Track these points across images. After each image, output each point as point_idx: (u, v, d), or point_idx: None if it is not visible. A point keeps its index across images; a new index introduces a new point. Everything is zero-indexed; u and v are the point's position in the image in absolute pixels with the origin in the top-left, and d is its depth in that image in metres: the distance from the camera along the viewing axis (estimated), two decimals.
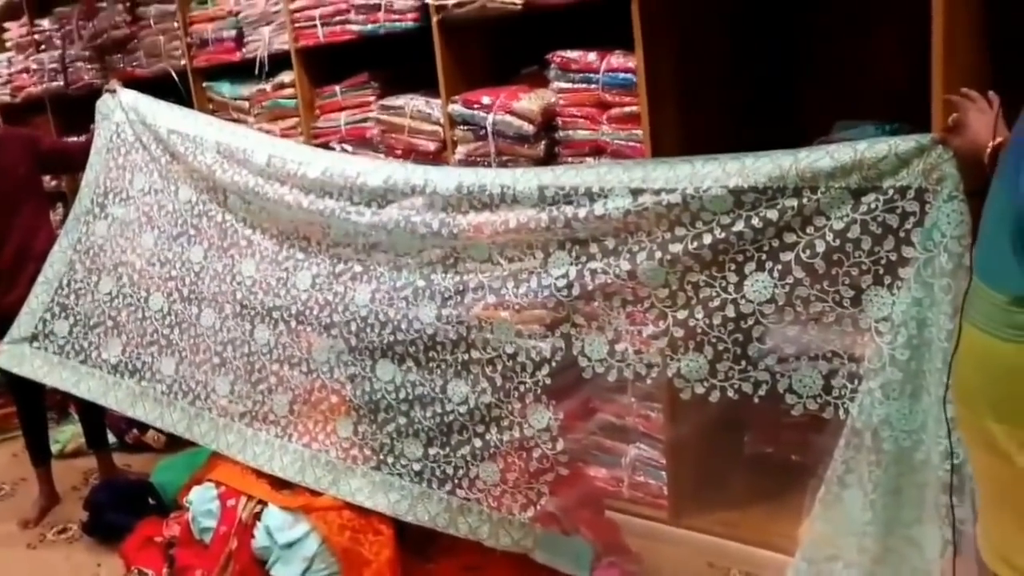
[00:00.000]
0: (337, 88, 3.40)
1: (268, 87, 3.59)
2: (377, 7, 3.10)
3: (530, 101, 2.80)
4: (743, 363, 1.87)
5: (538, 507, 2.27)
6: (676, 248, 1.89)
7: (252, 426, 2.68)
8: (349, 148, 3.38)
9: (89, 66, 4.33)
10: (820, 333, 1.80)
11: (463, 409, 2.27)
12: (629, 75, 2.61)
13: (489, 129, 2.85)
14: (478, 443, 2.28)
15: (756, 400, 1.87)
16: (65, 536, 3.38)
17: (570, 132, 2.78)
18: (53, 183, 4.56)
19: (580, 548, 2.42)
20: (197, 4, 3.79)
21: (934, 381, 1.67)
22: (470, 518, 2.33)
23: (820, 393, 1.82)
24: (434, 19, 2.93)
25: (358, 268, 2.44)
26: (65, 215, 3.22)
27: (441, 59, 2.97)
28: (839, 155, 1.71)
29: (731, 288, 1.85)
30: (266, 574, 2.46)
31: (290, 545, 2.42)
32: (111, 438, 3.88)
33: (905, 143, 1.67)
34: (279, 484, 2.59)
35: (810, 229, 1.76)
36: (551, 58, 2.78)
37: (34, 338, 3.08)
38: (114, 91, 3.03)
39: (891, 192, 1.68)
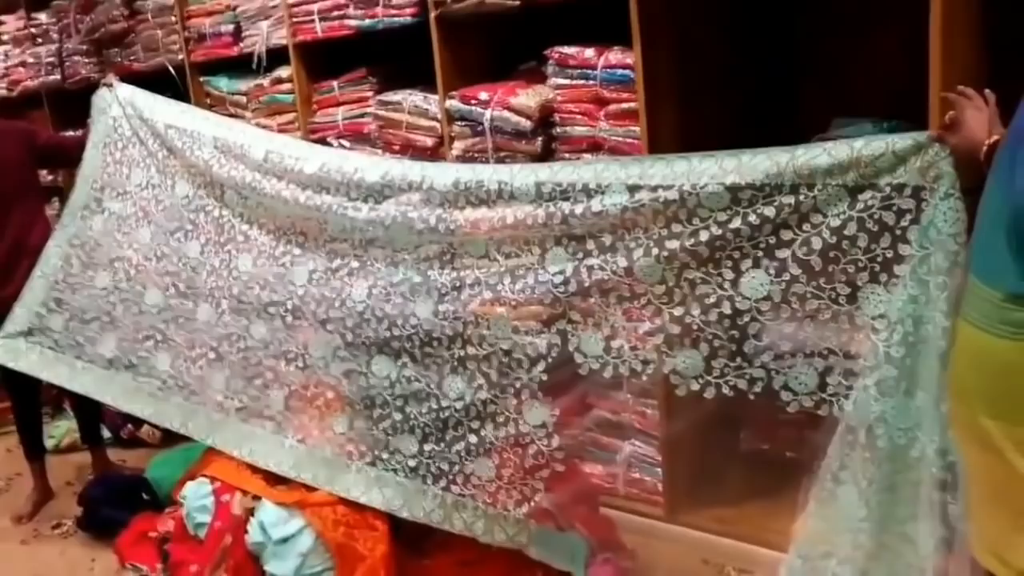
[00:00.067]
0: (335, 83, 3.40)
1: (266, 82, 3.58)
2: (375, 2, 3.09)
3: (528, 97, 2.79)
4: (739, 360, 1.87)
5: (533, 503, 2.27)
6: (673, 245, 1.89)
7: (248, 422, 2.68)
8: (347, 143, 3.38)
9: (86, 60, 4.32)
10: (816, 330, 1.80)
11: (459, 405, 2.27)
12: (627, 71, 2.61)
13: (487, 125, 2.85)
14: (473, 439, 2.28)
15: (752, 397, 1.87)
16: (59, 531, 3.37)
17: (568, 128, 2.78)
18: (49, 178, 4.54)
19: (575, 544, 2.42)
20: None
21: (929, 378, 1.67)
22: (465, 514, 2.33)
23: (815, 390, 1.82)
24: (432, 14, 2.93)
25: (355, 264, 2.44)
26: (61, 209, 3.21)
27: (439, 55, 2.97)
28: (836, 152, 1.71)
29: (727, 285, 1.85)
30: (260, 569, 2.46)
31: (284, 541, 2.42)
32: (106, 433, 3.88)
33: (902, 141, 1.67)
34: (274, 479, 2.59)
35: (807, 226, 1.76)
36: (549, 54, 2.78)
37: (29, 332, 3.08)
38: (111, 85, 3.03)
39: (888, 190, 1.68)
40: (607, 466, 2.94)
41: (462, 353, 2.24)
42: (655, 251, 1.91)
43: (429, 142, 3.11)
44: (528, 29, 2.93)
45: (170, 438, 3.38)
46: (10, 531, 3.42)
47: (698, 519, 2.79)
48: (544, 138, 2.82)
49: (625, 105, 2.64)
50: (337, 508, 2.46)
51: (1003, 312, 1.35)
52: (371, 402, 2.42)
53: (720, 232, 1.82)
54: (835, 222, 1.73)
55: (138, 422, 3.80)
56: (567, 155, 2.79)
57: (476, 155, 2.93)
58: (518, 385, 2.18)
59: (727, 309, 1.85)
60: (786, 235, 1.78)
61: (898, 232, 1.68)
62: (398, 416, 2.37)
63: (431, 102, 3.08)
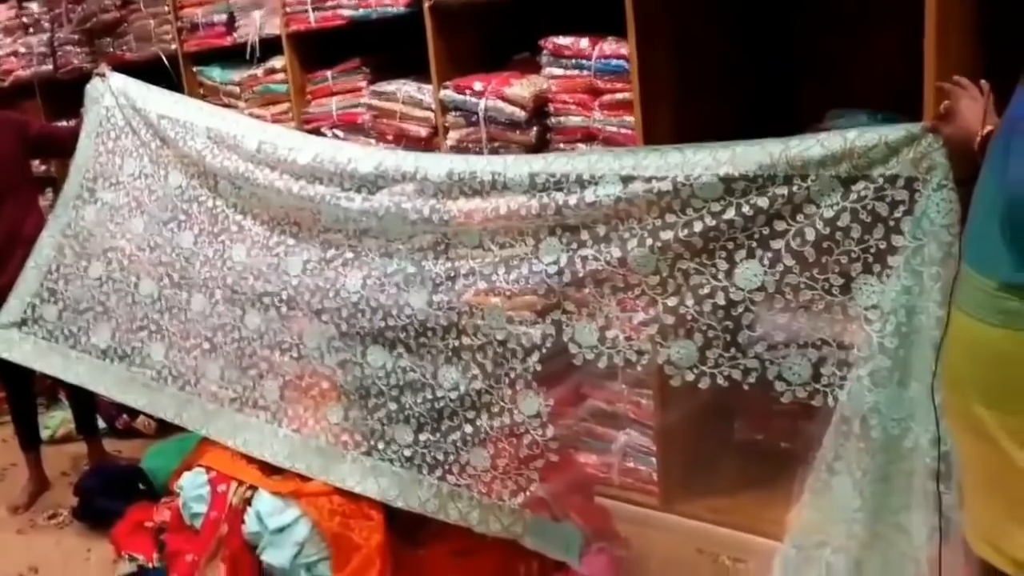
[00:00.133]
0: (328, 73, 3.39)
1: (259, 72, 3.57)
2: None
3: (522, 87, 2.79)
4: (733, 350, 1.87)
5: (528, 493, 2.27)
6: (666, 235, 1.89)
7: (242, 412, 2.68)
8: (340, 133, 3.37)
9: (78, 50, 4.30)
10: (809, 321, 1.81)
11: (454, 395, 2.27)
12: (621, 61, 2.61)
13: (481, 115, 2.85)
14: (468, 429, 2.28)
15: (745, 387, 1.87)
16: (55, 521, 3.38)
17: (562, 118, 2.78)
18: (42, 168, 4.52)
19: (570, 534, 2.43)
20: None
21: (923, 369, 1.67)
22: (460, 504, 2.34)
23: (809, 381, 1.82)
24: (425, 4, 2.92)
25: (349, 254, 2.43)
26: (55, 200, 3.20)
27: (433, 45, 2.96)
28: (829, 143, 1.71)
29: (721, 275, 1.85)
30: (256, 559, 2.46)
31: (280, 530, 2.42)
32: (101, 424, 3.88)
33: (895, 132, 1.67)
34: (269, 469, 2.59)
35: (800, 217, 1.76)
36: (543, 44, 2.78)
37: (23, 323, 3.07)
38: (104, 75, 3.01)
39: (881, 181, 1.68)
40: (602, 456, 2.95)
41: (457, 343, 2.25)
42: (649, 241, 1.91)
43: (423, 132, 3.11)
44: (522, 19, 2.93)
45: (165, 428, 3.38)
46: (6, 521, 3.42)
47: (693, 508, 2.80)
48: (538, 128, 2.82)
49: (619, 95, 2.64)
50: (333, 498, 2.46)
51: (997, 301, 1.36)
52: (366, 392, 2.42)
53: (714, 223, 1.82)
54: (828, 213, 1.73)
55: (133, 412, 3.80)
56: (561, 145, 2.79)
57: (470, 145, 2.92)
58: (512, 375, 2.19)
59: (721, 299, 1.85)
60: (780, 226, 1.78)
61: (891, 223, 1.69)
62: (393, 406, 2.38)
63: (425, 92, 3.07)
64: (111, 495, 3.19)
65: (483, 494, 2.31)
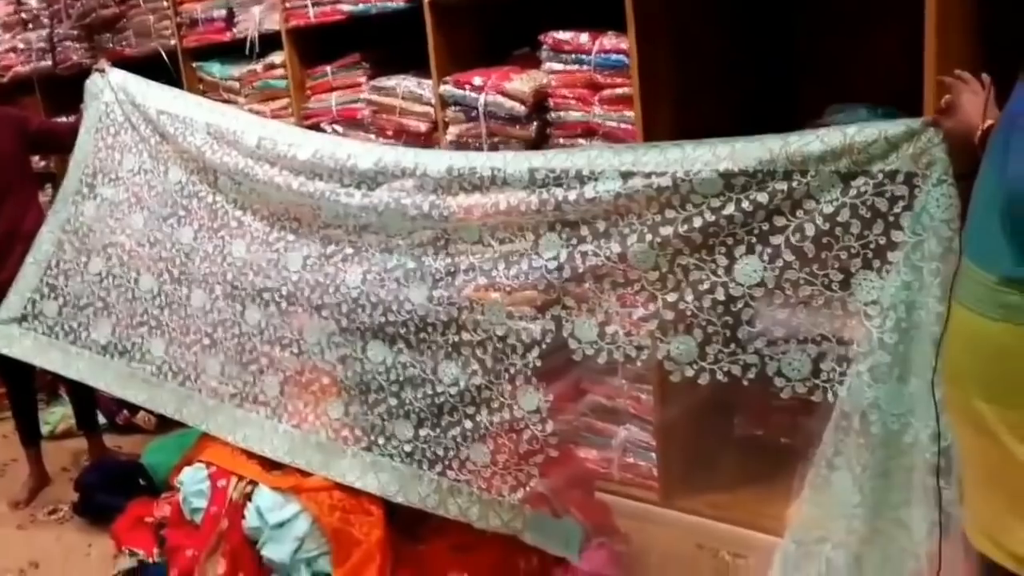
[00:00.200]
0: (328, 68, 3.38)
1: (259, 67, 3.56)
2: None
3: (522, 82, 2.78)
4: (732, 346, 1.87)
5: (528, 488, 2.27)
6: (666, 231, 1.88)
7: (242, 407, 2.68)
8: (340, 129, 3.37)
9: (78, 45, 4.28)
10: (809, 316, 1.81)
11: (454, 391, 2.28)
12: (621, 56, 2.60)
13: (481, 110, 2.84)
14: (468, 424, 2.28)
15: (745, 383, 1.87)
16: (56, 517, 3.39)
17: (562, 113, 2.77)
18: (42, 164, 4.52)
19: (570, 530, 2.43)
20: None
21: (922, 364, 1.67)
22: (460, 499, 2.34)
23: (809, 376, 1.82)
24: None
25: (349, 250, 2.43)
26: (54, 196, 3.20)
27: (432, 40, 2.95)
28: (829, 139, 1.71)
29: (721, 271, 1.85)
30: (257, 554, 2.47)
31: (281, 525, 2.43)
32: (101, 419, 3.89)
33: (895, 127, 1.67)
34: (269, 464, 2.59)
35: (800, 212, 1.76)
36: (543, 39, 2.77)
37: (23, 319, 3.07)
38: (103, 71, 3.01)
39: (880, 176, 1.68)
40: (602, 451, 2.95)
41: (456, 339, 2.25)
42: (649, 237, 1.91)
43: (423, 127, 3.10)
44: (522, 14, 2.92)
45: (166, 424, 3.39)
46: (6, 517, 3.43)
47: (693, 504, 2.79)
48: (538, 123, 2.81)
49: (619, 90, 2.63)
50: (333, 493, 2.47)
51: (997, 295, 1.36)
52: (366, 387, 2.42)
53: (713, 218, 1.82)
54: (828, 208, 1.73)
55: (134, 408, 3.80)
56: (561, 140, 2.79)
57: (470, 140, 2.92)
58: (512, 371, 2.19)
59: (721, 295, 1.85)
60: (779, 221, 1.78)
61: (891, 219, 1.68)
62: (393, 401, 2.38)
63: (425, 87, 3.06)
64: (111, 491, 3.20)
65: (483, 489, 2.31)
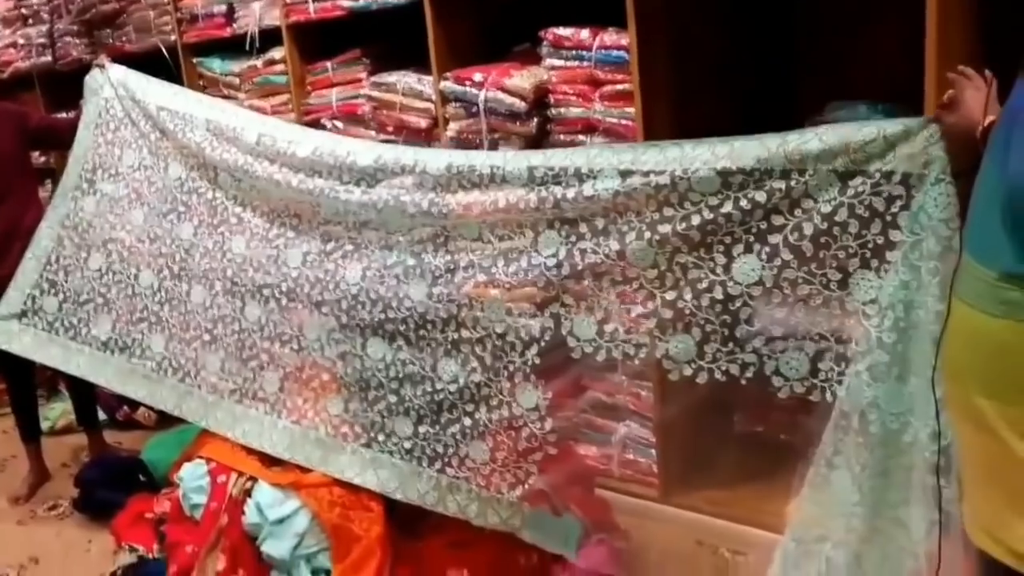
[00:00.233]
0: (328, 64, 3.38)
1: (259, 63, 3.56)
2: None
3: (522, 78, 2.78)
4: (731, 345, 1.87)
5: (527, 486, 2.27)
6: (665, 229, 1.88)
7: (242, 403, 2.68)
8: (340, 125, 3.36)
9: (78, 41, 4.27)
10: (807, 315, 1.80)
11: (453, 388, 2.28)
12: (622, 52, 2.59)
13: (481, 106, 2.83)
14: (468, 422, 2.28)
15: (743, 382, 1.87)
16: (56, 512, 3.39)
17: (562, 109, 2.76)
18: (42, 159, 4.52)
19: (568, 527, 2.43)
20: None
21: (921, 363, 1.67)
22: (459, 496, 2.34)
23: (807, 376, 1.82)
24: None
25: (349, 246, 2.43)
26: (54, 191, 3.20)
27: (433, 35, 2.94)
28: (827, 138, 1.70)
29: (719, 270, 1.84)
30: (257, 550, 2.47)
31: (280, 521, 2.43)
32: (101, 415, 3.89)
33: (893, 126, 1.66)
34: (269, 460, 2.59)
35: (798, 211, 1.76)
36: (543, 35, 2.76)
37: (23, 314, 3.07)
38: (103, 66, 3.01)
39: (878, 176, 1.67)
40: (602, 447, 2.95)
41: (456, 336, 2.25)
42: (647, 235, 1.91)
43: (423, 123, 3.09)
44: (522, 10, 2.91)
45: (166, 420, 3.39)
46: (6, 512, 3.43)
47: (692, 500, 2.79)
48: (539, 119, 2.80)
49: (620, 87, 2.62)
50: (333, 489, 2.47)
51: (998, 292, 1.36)
52: (366, 384, 2.42)
53: (712, 216, 1.82)
54: (826, 208, 1.72)
55: (134, 404, 3.80)
56: (562, 136, 2.78)
57: (470, 136, 2.91)
58: (511, 368, 2.19)
59: (719, 294, 1.85)
60: (777, 220, 1.78)
61: (888, 218, 1.68)
62: (393, 398, 2.38)
63: (425, 83, 3.06)
64: (111, 486, 3.20)
65: (482, 487, 2.31)
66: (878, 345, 1.71)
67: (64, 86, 4.23)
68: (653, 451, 2.85)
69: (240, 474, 2.56)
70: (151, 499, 2.88)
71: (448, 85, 2.92)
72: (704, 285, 1.86)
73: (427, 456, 2.36)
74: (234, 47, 3.63)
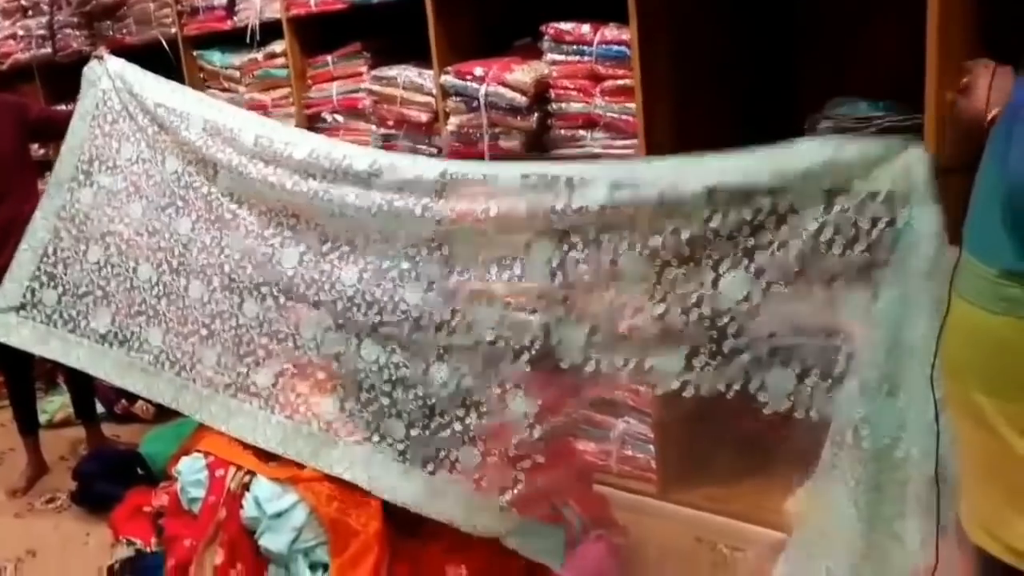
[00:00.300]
0: (329, 58, 3.37)
1: (259, 56, 3.56)
2: None
3: (523, 73, 2.78)
4: (718, 360, 1.86)
5: (515, 493, 2.28)
6: (655, 242, 1.88)
7: (236, 397, 2.68)
8: (340, 118, 3.36)
9: (78, 33, 4.27)
10: (794, 333, 1.80)
11: (444, 393, 2.28)
12: (623, 47, 2.59)
13: (482, 101, 2.83)
14: (458, 427, 2.29)
15: (729, 397, 1.86)
16: (53, 505, 3.39)
17: (563, 104, 2.77)
18: (41, 152, 4.50)
19: (555, 537, 2.43)
20: None
21: (910, 380, 1.66)
22: (447, 501, 2.35)
23: (792, 393, 1.82)
24: None
25: (345, 248, 2.44)
26: None
27: (434, 29, 2.94)
28: (813, 156, 1.70)
29: (707, 285, 1.84)
30: (255, 544, 2.47)
31: (279, 515, 2.43)
32: (100, 408, 3.88)
33: (878, 147, 1.66)
34: (267, 455, 2.59)
35: (784, 229, 1.75)
36: (545, 30, 2.76)
37: (21, 307, 3.06)
38: (102, 58, 3.00)
39: (863, 195, 1.67)
40: (600, 443, 2.95)
41: (448, 342, 2.25)
42: (637, 248, 1.91)
43: (424, 117, 3.09)
44: (524, 4, 2.91)
45: (164, 413, 3.39)
46: (4, 505, 3.43)
47: (691, 497, 2.80)
48: (539, 114, 2.80)
49: (621, 82, 2.62)
50: (331, 484, 2.46)
51: (998, 288, 1.36)
52: (359, 385, 2.43)
53: (700, 232, 1.82)
54: (811, 226, 1.72)
55: (132, 397, 3.80)
56: (562, 131, 2.79)
57: (471, 131, 2.91)
58: (502, 376, 2.19)
59: (707, 309, 1.85)
60: (764, 237, 1.77)
61: (874, 237, 1.67)
62: (386, 400, 2.39)
63: (426, 77, 3.06)
64: (109, 479, 3.20)
65: (471, 492, 2.32)
66: (866, 363, 1.71)
67: (64, 78, 4.22)
68: (652, 447, 2.86)
69: (238, 468, 2.56)
70: (149, 492, 2.88)
71: (449, 79, 2.92)
72: (692, 300, 1.86)
73: (419, 459, 2.36)
74: (234, 40, 3.63)
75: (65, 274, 3.01)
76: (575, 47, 2.71)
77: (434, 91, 3.02)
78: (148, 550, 2.73)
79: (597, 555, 2.46)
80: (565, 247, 2.02)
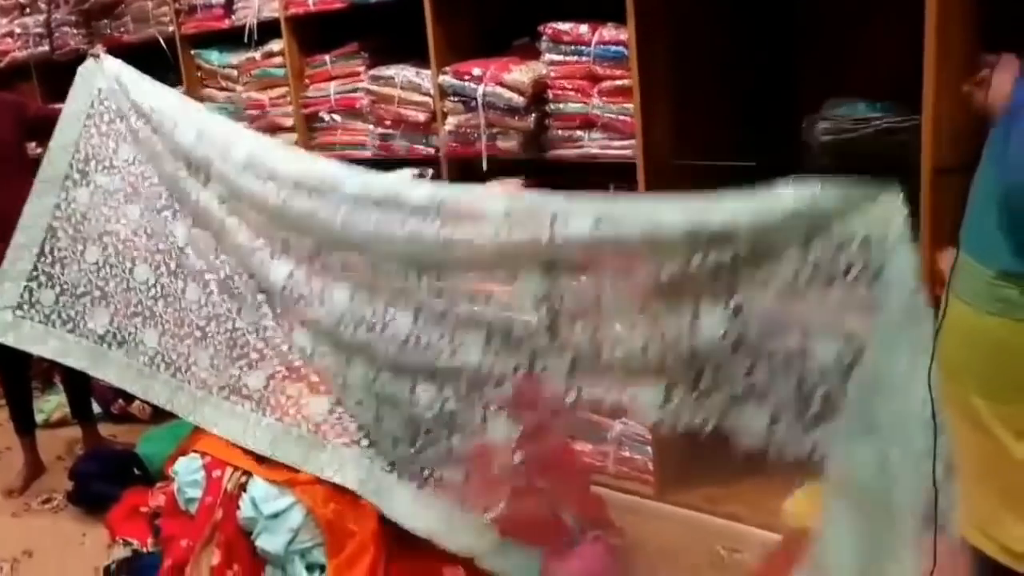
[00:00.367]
0: (327, 57, 3.37)
1: (257, 55, 3.55)
2: None
3: (521, 73, 2.77)
4: (694, 396, 1.86)
5: (495, 513, 2.30)
6: (636, 278, 1.89)
7: (229, 399, 2.68)
8: (338, 118, 3.36)
9: (75, 31, 4.26)
10: (772, 375, 1.80)
11: (429, 414, 2.29)
12: (621, 48, 2.59)
13: (479, 101, 2.83)
14: (443, 446, 2.31)
15: (705, 433, 1.86)
16: (50, 505, 3.38)
17: (561, 104, 2.76)
18: (39, 150, 4.49)
19: (531, 562, 2.43)
20: None
21: (890, 421, 1.65)
22: (430, 515, 2.36)
23: (765, 434, 1.81)
24: None
25: (336, 265, 2.45)
26: None
27: (432, 29, 2.94)
28: (794, 201, 1.70)
29: (687, 321, 1.84)
30: (251, 545, 2.46)
31: (275, 516, 2.43)
32: (96, 408, 3.87)
33: (855, 192, 1.66)
34: (262, 456, 2.58)
35: (763, 270, 1.75)
36: (543, 30, 2.76)
37: (18, 307, 3.05)
38: (98, 56, 2.99)
39: (840, 238, 1.66)
40: (597, 444, 2.95)
41: (435, 364, 2.25)
42: (620, 282, 1.91)
43: (421, 117, 3.09)
44: (522, 4, 2.91)
45: (160, 414, 3.36)
46: (1, 505, 3.42)
47: (688, 498, 2.80)
48: (537, 114, 2.80)
49: (619, 82, 2.62)
50: (327, 485, 2.46)
51: (994, 289, 1.36)
52: (348, 400, 2.45)
53: (681, 270, 1.82)
54: (790, 268, 1.71)
55: (129, 397, 3.79)
56: (560, 131, 2.78)
57: (469, 131, 2.91)
58: (485, 400, 2.20)
59: (685, 345, 1.85)
60: (743, 278, 1.77)
61: (849, 280, 1.67)
62: (370, 416, 2.41)
63: (424, 77, 3.05)
64: (106, 480, 3.19)
65: (455, 509, 2.34)
66: (845, 406, 1.70)
67: (61, 76, 4.17)
68: (649, 448, 2.86)
69: (235, 469, 2.55)
70: (146, 493, 2.87)
71: (446, 79, 2.92)
72: (672, 335, 1.86)
73: (406, 473, 2.39)
74: (232, 39, 3.62)
75: (63, 274, 3.00)
76: (573, 47, 2.71)
77: (432, 91, 3.02)
78: (145, 550, 2.73)
79: (594, 556, 2.46)
80: (549, 279, 2.02)
